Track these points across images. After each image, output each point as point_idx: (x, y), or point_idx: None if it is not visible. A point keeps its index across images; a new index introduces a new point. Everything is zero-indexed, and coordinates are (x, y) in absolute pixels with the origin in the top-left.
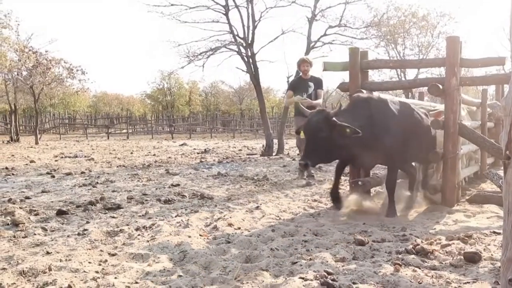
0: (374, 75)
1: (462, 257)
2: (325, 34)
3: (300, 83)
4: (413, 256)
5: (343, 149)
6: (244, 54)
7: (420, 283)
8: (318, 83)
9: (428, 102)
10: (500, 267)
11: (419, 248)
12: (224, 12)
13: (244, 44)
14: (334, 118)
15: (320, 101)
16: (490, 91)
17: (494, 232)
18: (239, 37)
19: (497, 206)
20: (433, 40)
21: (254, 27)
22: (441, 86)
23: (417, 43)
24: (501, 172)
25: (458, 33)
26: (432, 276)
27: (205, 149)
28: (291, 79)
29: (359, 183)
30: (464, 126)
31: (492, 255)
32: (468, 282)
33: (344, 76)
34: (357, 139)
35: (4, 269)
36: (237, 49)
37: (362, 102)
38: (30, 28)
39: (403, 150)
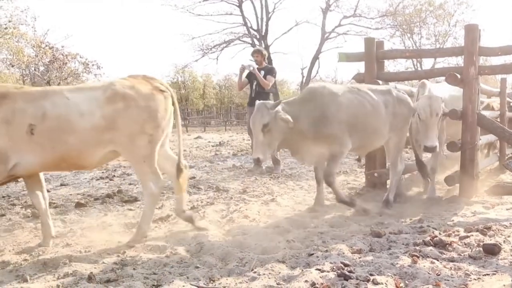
0: (390, 66)
1: (481, 249)
2: (339, 25)
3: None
4: (431, 248)
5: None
6: (258, 46)
7: (439, 274)
8: (269, 70)
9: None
10: None
11: (437, 240)
12: (238, 4)
13: (258, 36)
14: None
15: (267, 82)
16: (510, 80)
17: None
18: (253, 29)
19: None
20: (450, 29)
21: (268, 19)
22: (459, 76)
23: (434, 32)
24: None
25: (476, 21)
26: (451, 268)
27: (219, 142)
28: (305, 70)
29: (375, 174)
30: (483, 116)
31: None
32: (487, 274)
33: (360, 67)
34: None
35: (26, 260)
36: (251, 41)
37: None
38: (47, 24)
39: None
